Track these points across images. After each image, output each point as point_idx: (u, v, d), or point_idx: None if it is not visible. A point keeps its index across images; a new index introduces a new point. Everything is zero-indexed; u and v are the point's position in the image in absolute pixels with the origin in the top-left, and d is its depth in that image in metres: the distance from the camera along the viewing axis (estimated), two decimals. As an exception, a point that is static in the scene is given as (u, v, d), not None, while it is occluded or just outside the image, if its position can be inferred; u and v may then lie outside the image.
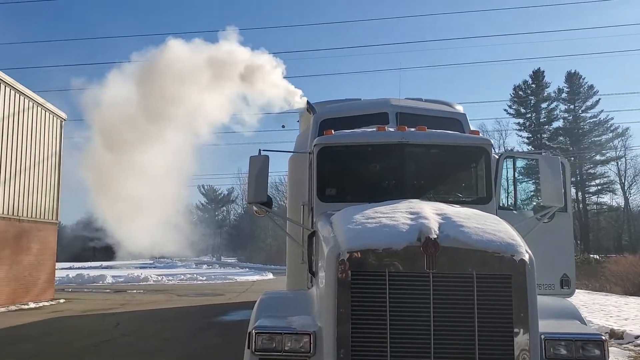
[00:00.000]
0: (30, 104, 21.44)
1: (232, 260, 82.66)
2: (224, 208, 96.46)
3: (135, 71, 14.31)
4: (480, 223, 4.85)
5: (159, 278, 35.93)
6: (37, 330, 14.00)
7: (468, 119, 8.84)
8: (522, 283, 4.50)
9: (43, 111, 22.33)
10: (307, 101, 10.47)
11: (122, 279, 34.58)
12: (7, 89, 19.99)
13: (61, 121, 23.61)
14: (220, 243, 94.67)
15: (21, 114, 20.78)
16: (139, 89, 13.59)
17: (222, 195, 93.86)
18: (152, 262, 62.77)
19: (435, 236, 4.53)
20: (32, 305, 20.01)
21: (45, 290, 22.10)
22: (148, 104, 13.36)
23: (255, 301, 5.47)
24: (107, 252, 57.63)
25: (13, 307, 19.03)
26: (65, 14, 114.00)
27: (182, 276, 38.15)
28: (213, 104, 13.06)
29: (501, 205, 7.36)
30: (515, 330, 4.42)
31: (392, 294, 4.48)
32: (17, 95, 20.57)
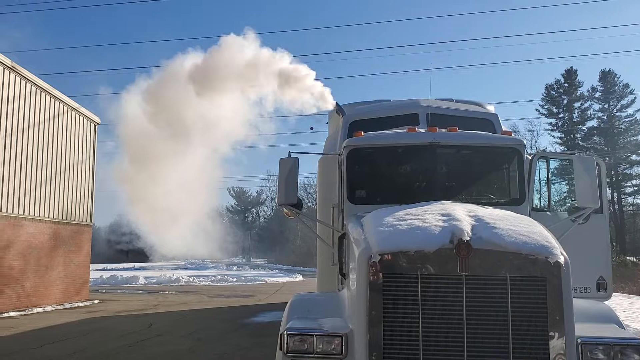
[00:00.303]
0: (65, 108, 21.95)
1: (262, 262, 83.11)
2: (254, 210, 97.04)
3: (165, 78, 14.54)
4: (513, 225, 4.78)
5: (191, 279, 36.34)
6: (74, 330, 14.30)
7: (500, 119, 8.73)
8: (557, 286, 4.42)
9: (77, 116, 22.83)
10: (336, 103, 10.45)
11: (154, 280, 35.08)
12: (43, 95, 20.51)
13: (95, 125, 24.09)
14: (250, 245, 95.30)
15: (57, 118, 21.29)
16: (169, 95, 13.80)
17: (251, 197, 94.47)
18: (183, 263, 63.57)
19: (468, 238, 4.49)
20: (67, 305, 20.46)
21: (80, 291, 22.58)
22: (177, 110, 13.56)
23: (285, 303, 5.49)
24: (140, 254, 58.59)
25: (49, 308, 19.48)
26: (98, 20, 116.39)
27: (213, 277, 38.54)
28: (242, 107, 13.20)
29: (534, 206, 7.24)
30: (551, 334, 4.34)
31: (424, 296, 4.45)
32: (53, 100, 21.09)
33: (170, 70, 13.64)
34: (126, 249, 61.91)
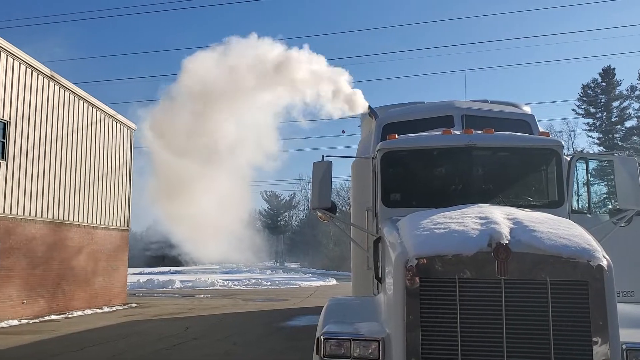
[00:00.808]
0: (102, 115, 22.43)
1: (295, 266, 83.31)
2: (286, 214, 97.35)
3: (194, 79, 14.41)
4: (553, 227, 4.67)
5: (225, 283, 36.73)
6: (113, 333, 14.57)
7: (536, 120, 8.57)
8: (600, 290, 4.30)
9: (114, 122, 23.30)
10: (369, 106, 10.41)
11: (189, 284, 35.55)
12: (81, 102, 21.02)
13: (131, 132, 24.55)
14: (282, 248, 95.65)
15: (94, 125, 21.78)
16: (200, 98, 13.77)
17: (284, 201, 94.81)
18: (218, 267, 64.15)
19: (507, 241, 4.41)
20: (106, 309, 20.87)
21: (118, 294, 23.00)
22: (208, 113, 13.55)
23: (320, 307, 5.48)
24: (175, 261, 59.48)
25: (89, 311, 19.90)
26: (132, 29, 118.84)
27: (247, 281, 38.86)
28: (273, 110, 13.18)
29: (573, 208, 7.07)
30: (594, 339, 4.22)
31: (462, 301, 4.38)
32: (90, 107, 21.58)
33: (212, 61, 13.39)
34: (161, 254, 62.82)
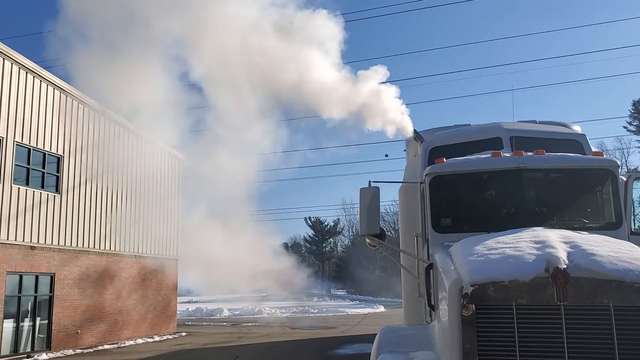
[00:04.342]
0: (151, 146, 22.96)
1: (342, 292, 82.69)
2: (331, 239, 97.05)
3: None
4: (613, 250, 4.51)
5: (273, 311, 36.70)
6: (163, 362, 14.72)
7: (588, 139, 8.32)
8: (668, 316, 4.11)
9: (163, 153, 23.84)
10: (414, 129, 10.34)
11: (237, 312, 35.71)
12: (131, 135, 21.61)
13: (179, 161, 25.08)
14: (328, 275, 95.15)
15: (143, 157, 22.32)
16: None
17: (328, 226, 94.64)
18: (265, 295, 64.20)
19: (565, 266, 4.28)
20: (157, 338, 21.12)
21: (169, 323, 23.29)
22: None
23: (369, 334, 5.42)
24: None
25: (140, 340, 20.19)
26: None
27: (294, 309, 38.72)
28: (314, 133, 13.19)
29: (632, 230, 6.80)
30: (665, 368, 4.03)
31: (520, 328, 4.26)
32: (139, 140, 22.15)
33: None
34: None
